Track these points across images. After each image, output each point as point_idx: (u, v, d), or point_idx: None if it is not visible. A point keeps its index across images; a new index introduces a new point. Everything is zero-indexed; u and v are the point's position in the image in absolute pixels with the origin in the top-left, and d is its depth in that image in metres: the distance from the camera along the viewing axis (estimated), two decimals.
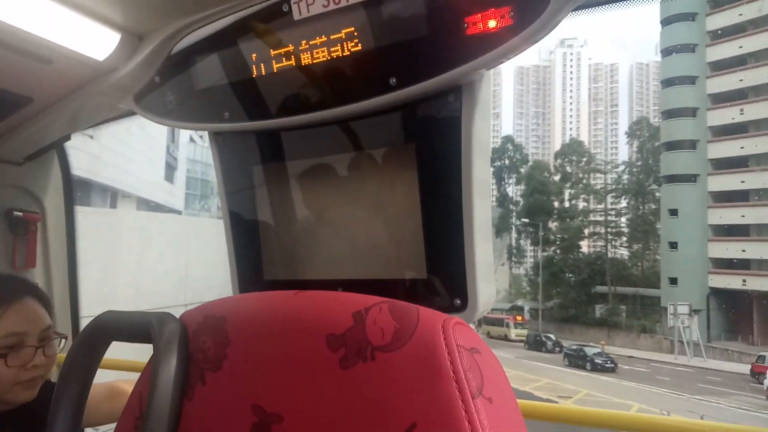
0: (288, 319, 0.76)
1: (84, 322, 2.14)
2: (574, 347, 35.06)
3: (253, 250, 1.28)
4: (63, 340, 1.45)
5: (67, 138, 1.82)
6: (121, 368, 2.06)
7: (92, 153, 18.23)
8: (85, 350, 0.87)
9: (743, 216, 38.39)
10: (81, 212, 2.15)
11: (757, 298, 36.08)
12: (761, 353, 27.15)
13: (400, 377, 0.64)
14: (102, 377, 1.14)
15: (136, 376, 0.87)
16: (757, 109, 38.67)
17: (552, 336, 40.78)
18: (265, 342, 0.76)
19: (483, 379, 0.64)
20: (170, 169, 28.62)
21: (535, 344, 39.30)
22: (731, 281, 37.74)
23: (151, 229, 11.52)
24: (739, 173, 39.32)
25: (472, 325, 0.78)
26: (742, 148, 39.23)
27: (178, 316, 0.84)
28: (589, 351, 33.21)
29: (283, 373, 0.72)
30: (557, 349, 37.79)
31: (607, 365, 31.53)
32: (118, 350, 1.08)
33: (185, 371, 0.79)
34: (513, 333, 42.09)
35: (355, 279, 1.15)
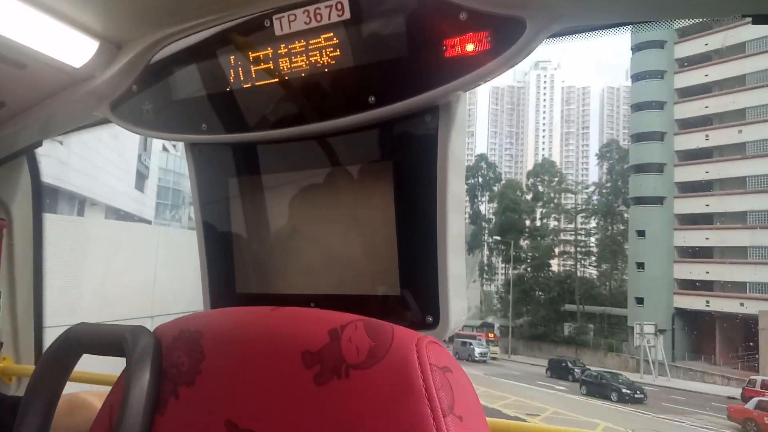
0: (264, 336, 0.76)
1: (47, 332, 2.08)
2: (594, 373, 30.42)
3: (226, 263, 1.27)
4: None
5: (39, 144, 1.78)
6: (87, 381, 2.01)
7: (61, 159, 17.83)
8: (55, 362, 0.85)
9: (707, 239, 39.43)
10: (47, 219, 2.10)
11: (720, 319, 36.95)
12: (751, 377, 26.35)
13: (373, 394, 0.65)
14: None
15: (98, 388, 0.85)
16: (721, 135, 39.97)
17: (580, 361, 35.95)
18: (240, 358, 0.75)
19: (454, 397, 0.65)
20: (141, 177, 28.14)
21: (559, 371, 34.03)
22: (695, 302, 38.62)
23: (119, 238, 11.28)
24: (703, 197, 40.46)
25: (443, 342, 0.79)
26: (707, 172, 40.42)
27: (146, 328, 0.83)
28: (611, 378, 28.88)
29: (258, 389, 0.72)
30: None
31: (636, 395, 27.27)
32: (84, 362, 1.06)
33: (158, 385, 0.78)
34: None
35: (328, 294, 1.15)
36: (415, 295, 1.06)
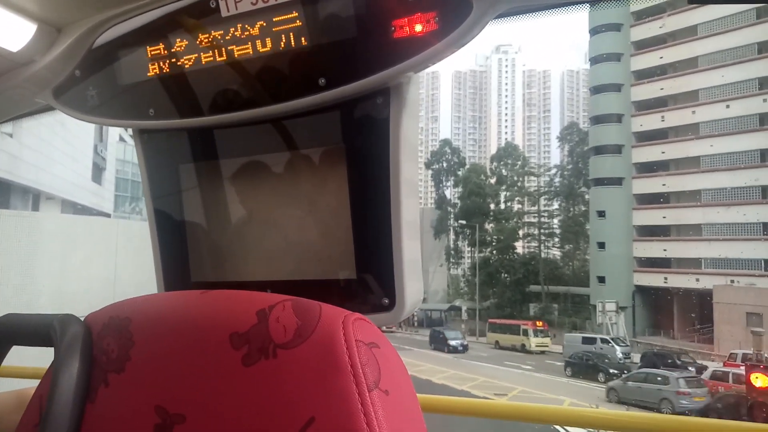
0: (193, 319, 0.76)
1: None
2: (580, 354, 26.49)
3: (179, 252, 1.25)
4: None
5: None
6: (25, 376, 1.96)
7: (11, 152, 17.17)
8: None
9: (664, 217, 40.74)
10: None
11: (677, 295, 38.32)
12: (732, 351, 26.06)
13: (300, 373, 0.65)
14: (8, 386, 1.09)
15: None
16: (676, 116, 41.18)
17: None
18: (169, 342, 0.75)
19: (380, 372, 0.65)
20: (98, 169, 27.34)
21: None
22: (654, 279, 39.96)
23: (77, 232, 10.97)
24: (660, 177, 41.70)
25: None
26: (663, 153, 41.63)
27: (75, 317, 0.81)
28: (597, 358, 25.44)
29: (187, 373, 0.72)
30: None
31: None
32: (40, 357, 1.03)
33: (88, 374, 0.78)
34: (533, 342, 35.20)
35: (285, 280, 1.14)
36: (372, 279, 1.06)
